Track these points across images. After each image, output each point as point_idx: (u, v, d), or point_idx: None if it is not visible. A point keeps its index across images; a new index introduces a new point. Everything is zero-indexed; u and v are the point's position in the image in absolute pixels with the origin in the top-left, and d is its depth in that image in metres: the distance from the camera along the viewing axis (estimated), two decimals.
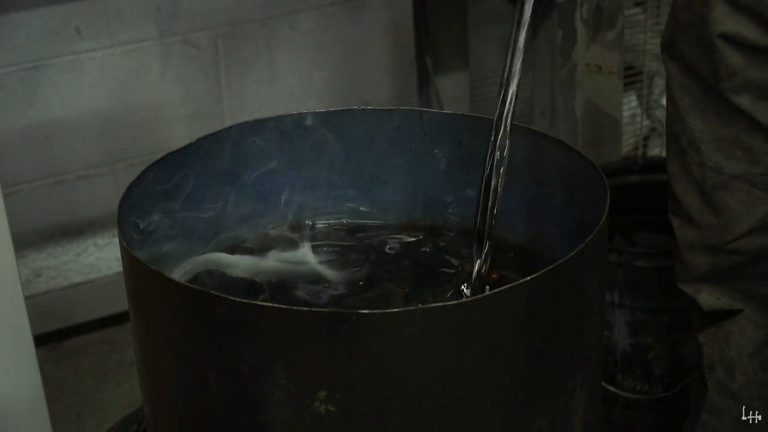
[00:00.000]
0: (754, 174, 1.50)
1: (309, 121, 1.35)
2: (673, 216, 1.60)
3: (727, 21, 1.43)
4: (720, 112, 1.49)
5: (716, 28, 1.44)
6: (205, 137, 1.29)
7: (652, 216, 2.29)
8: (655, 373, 2.08)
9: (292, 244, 1.35)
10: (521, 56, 1.21)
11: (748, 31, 1.43)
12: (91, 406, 2.54)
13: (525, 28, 1.20)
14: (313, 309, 1.01)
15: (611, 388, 2.09)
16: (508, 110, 1.22)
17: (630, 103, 2.95)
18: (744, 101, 1.47)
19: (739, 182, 1.51)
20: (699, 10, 1.46)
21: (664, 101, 2.88)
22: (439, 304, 1.01)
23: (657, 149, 2.99)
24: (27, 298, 1.91)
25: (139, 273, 1.09)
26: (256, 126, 1.33)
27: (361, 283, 1.31)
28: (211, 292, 1.01)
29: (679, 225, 1.59)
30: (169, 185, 1.26)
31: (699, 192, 1.55)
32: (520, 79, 1.21)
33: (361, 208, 1.40)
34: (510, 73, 1.21)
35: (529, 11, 1.21)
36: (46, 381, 1.98)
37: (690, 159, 1.54)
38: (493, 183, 1.23)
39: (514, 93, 1.21)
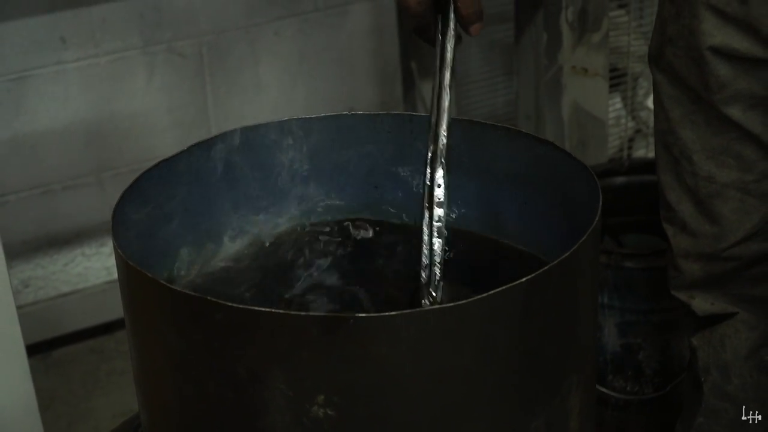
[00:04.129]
0: (747, 181, 1.50)
1: (299, 127, 1.36)
2: (667, 224, 1.59)
3: (716, 33, 1.42)
4: (710, 122, 1.48)
5: (706, 41, 1.42)
6: (198, 144, 1.30)
7: (639, 217, 2.30)
8: (646, 373, 2.08)
9: (289, 248, 1.36)
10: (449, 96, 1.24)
11: (738, 43, 1.41)
12: (82, 416, 2.53)
13: (449, 69, 1.23)
14: (310, 313, 1.02)
15: (602, 389, 2.09)
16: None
17: (615, 105, 2.96)
18: (734, 112, 1.46)
19: (731, 190, 1.51)
20: (687, 22, 1.44)
21: (648, 103, 2.90)
22: (436, 306, 1.01)
23: (642, 150, 3.00)
24: (16, 308, 1.90)
25: (136, 280, 1.09)
26: (247, 132, 1.34)
27: (357, 285, 1.32)
28: (208, 298, 1.02)
29: (674, 233, 1.58)
30: (162, 193, 1.26)
31: (693, 201, 1.54)
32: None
33: (353, 211, 1.40)
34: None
35: (451, 53, 1.24)
36: (36, 391, 1.96)
37: (683, 168, 1.53)
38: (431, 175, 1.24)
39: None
